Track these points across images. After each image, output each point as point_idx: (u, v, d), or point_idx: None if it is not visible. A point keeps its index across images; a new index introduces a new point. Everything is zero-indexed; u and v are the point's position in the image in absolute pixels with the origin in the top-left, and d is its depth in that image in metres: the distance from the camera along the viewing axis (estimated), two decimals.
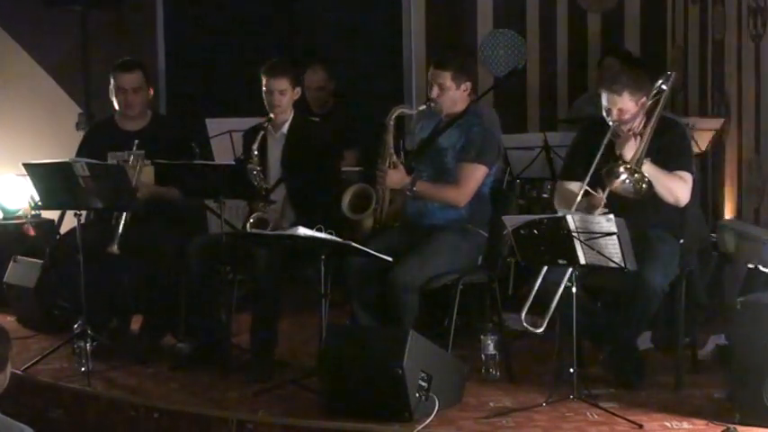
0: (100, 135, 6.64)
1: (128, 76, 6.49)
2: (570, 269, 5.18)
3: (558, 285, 5.22)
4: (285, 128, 6.32)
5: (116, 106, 6.56)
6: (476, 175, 5.90)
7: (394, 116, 6.05)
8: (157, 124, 6.60)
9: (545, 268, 5.31)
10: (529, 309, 5.32)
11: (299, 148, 6.28)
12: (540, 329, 5.31)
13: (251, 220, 6.11)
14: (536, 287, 5.32)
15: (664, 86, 5.68)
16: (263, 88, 6.24)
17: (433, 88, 5.98)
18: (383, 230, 6.04)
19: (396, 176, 5.96)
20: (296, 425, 5.21)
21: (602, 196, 5.46)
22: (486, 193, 6.00)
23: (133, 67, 6.54)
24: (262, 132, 6.23)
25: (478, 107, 6.28)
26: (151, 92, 6.63)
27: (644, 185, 5.43)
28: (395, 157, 6.02)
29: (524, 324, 5.32)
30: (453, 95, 5.98)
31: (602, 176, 5.46)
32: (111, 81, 6.54)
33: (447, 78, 5.95)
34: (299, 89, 6.34)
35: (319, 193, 6.18)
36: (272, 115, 6.23)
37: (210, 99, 8.84)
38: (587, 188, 5.48)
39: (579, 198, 5.46)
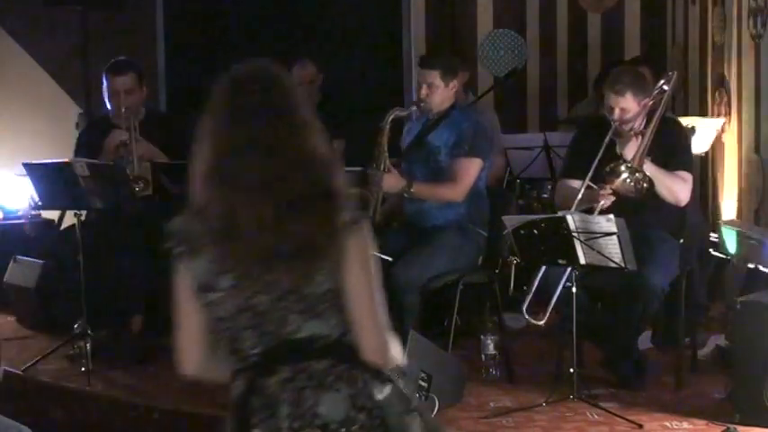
0: (96, 134, 6.62)
1: (120, 79, 6.42)
2: (570, 269, 5.19)
3: (560, 279, 5.22)
4: None
5: (109, 106, 6.54)
6: (471, 168, 5.88)
7: (390, 119, 6.04)
8: (151, 122, 6.57)
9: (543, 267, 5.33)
10: (528, 309, 5.32)
11: None
12: (542, 321, 5.31)
13: None
14: (536, 283, 5.33)
15: (665, 87, 5.69)
16: None
17: (421, 88, 5.98)
18: (382, 231, 6.03)
19: (391, 180, 5.93)
20: None
21: (605, 192, 5.45)
22: (482, 189, 5.99)
23: (126, 70, 6.47)
24: None
25: (464, 103, 6.27)
26: (144, 91, 6.59)
27: (645, 185, 5.44)
28: (389, 161, 6.01)
29: (525, 316, 5.32)
30: (442, 94, 5.97)
31: (603, 175, 5.47)
32: (104, 82, 6.50)
33: (436, 77, 5.95)
34: None
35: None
36: None
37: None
38: (590, 183, 5.48)
39: (580, 196, 5.45)
